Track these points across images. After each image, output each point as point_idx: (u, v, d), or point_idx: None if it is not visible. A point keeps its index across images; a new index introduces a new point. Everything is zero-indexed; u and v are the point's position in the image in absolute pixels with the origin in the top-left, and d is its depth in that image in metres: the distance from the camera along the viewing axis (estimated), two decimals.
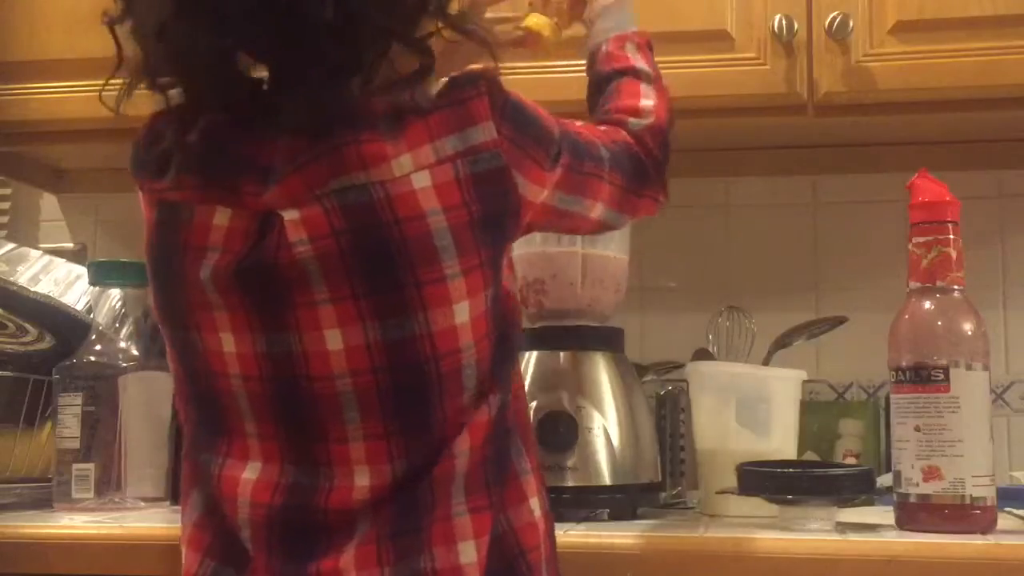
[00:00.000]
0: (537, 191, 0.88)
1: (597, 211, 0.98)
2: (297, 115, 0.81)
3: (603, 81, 1.10)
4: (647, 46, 1.13)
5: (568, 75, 1.27)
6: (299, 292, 0.81)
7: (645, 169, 1.02)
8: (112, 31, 0.85)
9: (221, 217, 0.83)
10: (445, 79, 0.86)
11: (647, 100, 1.06)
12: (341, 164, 0.80)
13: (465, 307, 0.82)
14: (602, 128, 1.01)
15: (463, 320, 0.82)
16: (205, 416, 0.88)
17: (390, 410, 0.82)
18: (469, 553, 0.81)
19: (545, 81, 1.31)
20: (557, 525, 1.11)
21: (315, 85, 0.81)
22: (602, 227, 1.03)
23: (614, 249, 1.32)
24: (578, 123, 0.98)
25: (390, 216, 0.80)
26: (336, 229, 0.80)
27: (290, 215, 0.80)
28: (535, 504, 0.87)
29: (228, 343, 0.83)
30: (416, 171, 0.80)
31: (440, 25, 0.87)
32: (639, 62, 1.10)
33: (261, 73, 0.85)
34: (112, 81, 0.87)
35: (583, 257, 1.28)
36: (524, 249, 1.33)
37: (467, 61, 1.01)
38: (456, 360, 0.82)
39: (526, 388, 1.23)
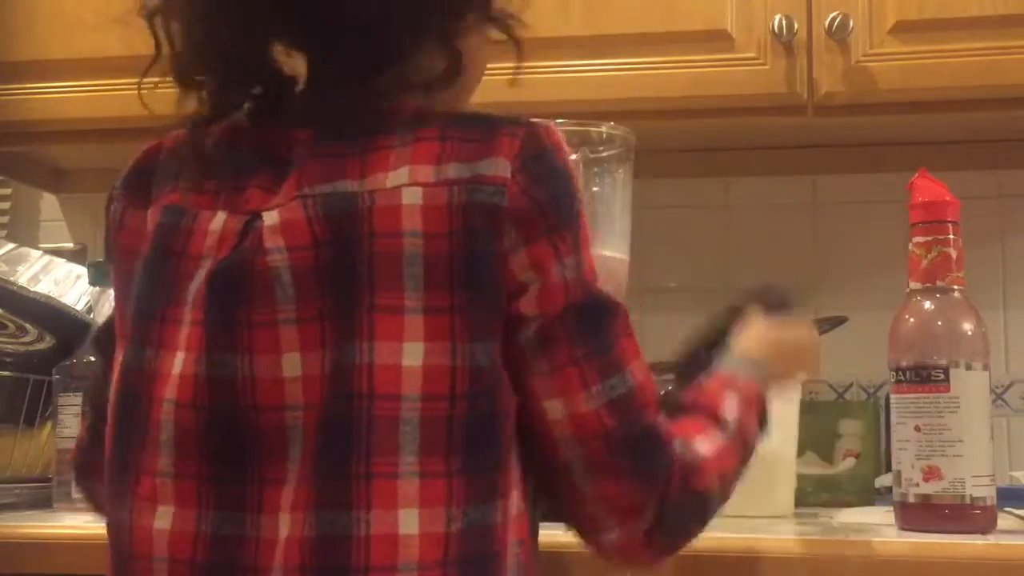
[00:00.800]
0: (525, 266, 0.73)
1: (550, 408, 0.75)
2: (323, 111, 0.77)
3: (678, 401, 0.89)
4: (755, 405, 0.90)
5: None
6: (262, 307, 0.72)
7: (650, 475, 0.77)
8: (151, 24, 0.80)
9: (217, 222, 0.76)
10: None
11: (702, 447, 0.82)
12: (340, 168, 0.74)
13: (419, 350, 0.70)
14: (649, 390, 0.79)
15: (412, 364, 0.70)
16: (123, 444, 0.77)
17: (311, 454, 0.71)
18: None
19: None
20: (557, 525, 1.11)
21: (346, 81, 0.77)
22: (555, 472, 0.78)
23: (614, 249, 1.32)
24: (635, 364, 0.78)
25: (366, 228, 0.71)
26: (317, 239, 0.72)
27: (269, 217, 0.74)
28: None
29: (178, 364, 0.74)
30: (409, 185, 0.72)
31: (479, 22, 0.81)
32: (731, 408, 0.87)
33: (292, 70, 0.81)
34: (141, 80, 0.81)
35: None
36: None
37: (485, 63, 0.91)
38: (393, 408, 0.70)
39: None
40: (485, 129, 0.75)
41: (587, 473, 0.76)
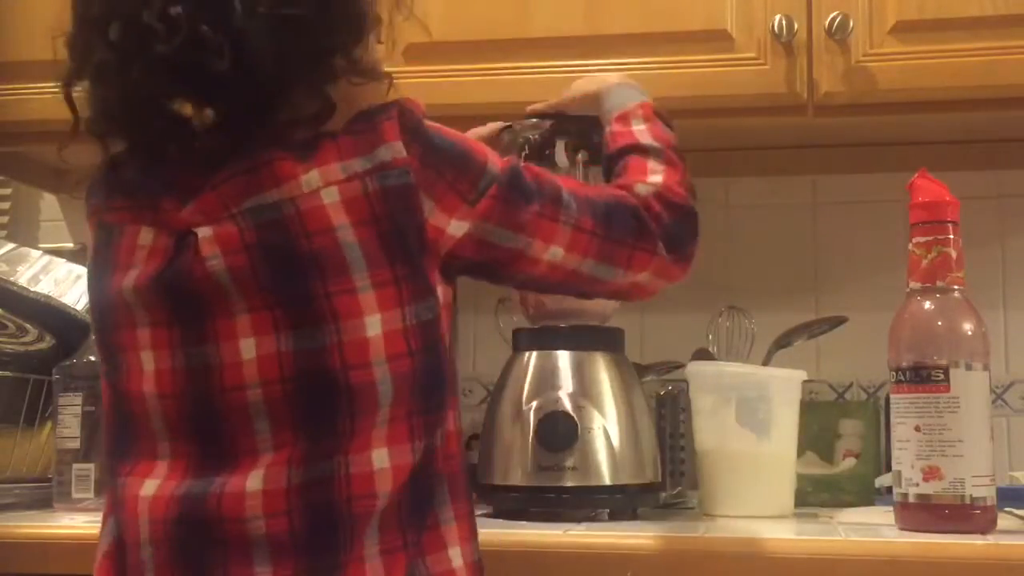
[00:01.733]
0: (446, 219, 0.87)
1: (554, 255, 0.93)
2: (218, 142, 0.86)
3: (612, 162, 1.09)
4: (654, 115, 1.11)
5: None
6: (218, 303, 0.84)
7: (643, 224, 0.98)
8: (67, 93, 0.91)
9: (145, 237, 0.87)
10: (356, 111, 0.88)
11: (655, 176, 1.03)
12: (255, 183, 0.83)
13: (377, 320, 0.83)
14: (596, 190, 0.99)
15: (375, 333, 0.83)
16: (119, 439, 0.89)
17: (299, 420, 0.82)
18: None
19: None
20: (557, 525, 1.11)
21: (231, 122, 0.86)
22: (584, 281, 0.97)
23: None
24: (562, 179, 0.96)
25: (300, 230, 0.82)
26: (247, 243, 0.83)
27: (204, 232, 0.84)
28: (456, 553, 0.87)
29: (148, 361, 0.86)
30: (325, 187, 0.83)
31: (346, 70, 0.88)
32: (645, 137, 1.08)
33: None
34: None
35: None
36: None
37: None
38: (368, 374, 0.83)
39: (526, 387, 1.24)
40: (366, 122, 0.86)
41: (605, 266, 0.96)
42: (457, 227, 0.87)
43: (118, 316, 0.88)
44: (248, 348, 0.83)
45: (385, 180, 0.84)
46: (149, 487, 0.85)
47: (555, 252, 0.93)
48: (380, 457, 0.83)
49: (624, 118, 1.11)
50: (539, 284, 0.98)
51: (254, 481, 0.81)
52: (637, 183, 1.01)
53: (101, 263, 0.90)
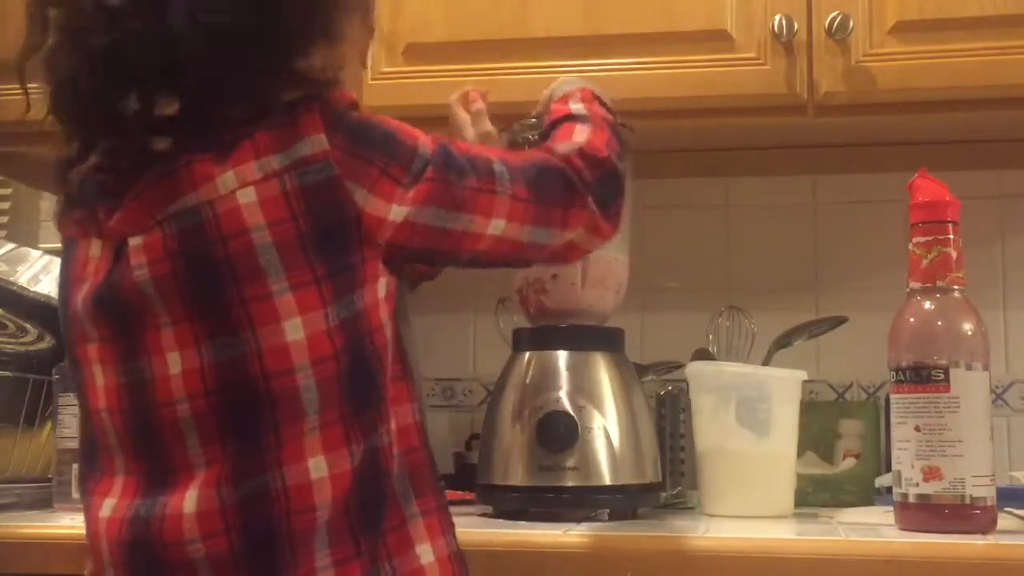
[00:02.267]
0: (384, 206, 0.84)
1: (496, 228, 0.91)
2: (147, 144, 0.84)
3: (544, 136, 1.07)
4: (592, 97, 1.10)
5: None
6: (147, 316, 0.83)
7: (570, 182, 0.96)
8: (20, 75, 0.91)
9: (95, 249, 0.86)
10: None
11: (579, 136, 1.02)
12: (175, 188, 0.82)
13: (298, 324, 0.80)
14: (524, 156, 0.98)
15: (296, 338, 0.80)
16: (87, 454, 0.90)
17: (226, 435, 0.81)
18: None
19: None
20: (557, 525, 1.11)
21: (163, 122, 0.84)
22: (525, 248, 0.95)
23: (615, 249, 1.32)
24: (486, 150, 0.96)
25: (216, 234, 0.80)
26: (169, 251, 0.81)
27: (134, 241, 0.83)
28: (426, 550, 0.85)
29: (99, 376, 0.86)
30: (241, 187, 0.80)
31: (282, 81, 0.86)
32: (577, 108, 1.08)
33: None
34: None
35: (584, 257, 1.28)
36: None
37: None
38: (290, 381, 0.80)
39: (526, 387, 1.24)
40: (286, 116, 0.82)
41: (543, 229, 0.94)
42: (397, 212, 0.84)
43: (75, 331, 0.88)
44: (174, 362, 0.82)
45: (304, 176, 0.81)
46: (107, 507, 0.84)
47: (496, 224, 0.91)
48: (317, 466, 0.80)
49: (563, 99, 1.11)
50: (484, 260, 0.95)
51: (190, 502, 0.80)
52: (560, 143, 1.01)
53: (63, 278, 0.91)
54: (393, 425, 0.85)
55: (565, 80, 1.16)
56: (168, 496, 0.81)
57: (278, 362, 0.80)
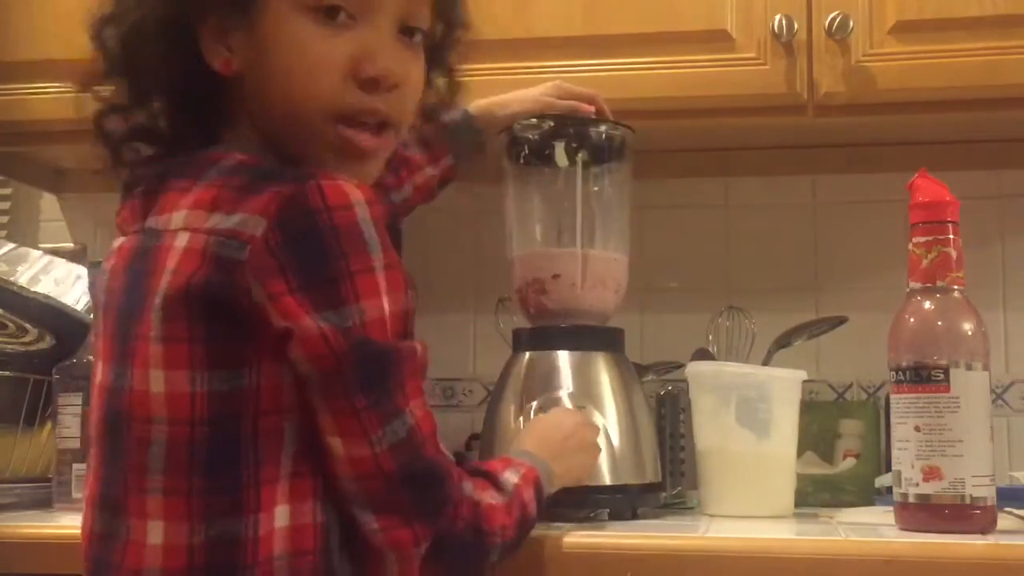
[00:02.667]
0: (277, 318, 0.76)
1: (337, 447, 0.79)
2: (163, 152, 0.89)
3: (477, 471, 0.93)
4: (533, 483, 0.97)
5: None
6: (102, 322, 0.86)
7: (437, 512, 0.83)
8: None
9: (115, 239, 0.89)
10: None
11: (489, 498, 0.89)
12: (152, 204, 0.83)
13: (160, 377, 0.78)
14: (426, 426, 0.83)
15: (157, 390, 0.78)
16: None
17: (102, 460, 0.84)
18: None
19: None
20: (557, 525, 1.11)
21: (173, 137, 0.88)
22: (348, 497, 0.81)
23: (614, 250, 1.33)
24: (414, 404, 0.81)
25: (149, 266, 0.80)
26: (124, 267, 0.83)
27: (116, 243, 0.86)
28: None
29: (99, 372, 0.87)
30: (182, 229, 0.80)
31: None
32: (508, 482, 0.94)
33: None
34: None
35: (584, 257, 1.28)
36: (525, 249, 1.33)
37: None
38: (145, 431, 0.79)
39: (526, 387, 1.24)
40: (260, 183, 0.79)
41: (367, 507, 0.81)
42: (283, 321, 0.77)
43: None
44: (102, 375, 0.84)
45: (222, 247, 0.77)
46: (83, 517, 0.86)
47: (339, 449, 0.80)
48: (155, 530, 0.78)
49: (509, 462, 0.98)
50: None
51: (154, 535, 0.79)
52: (470, 484, 0.88)
53: None
54: (280, 522, 0.78)
55: (534, 455, 1.02)
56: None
57: (139, 407, 0.79)
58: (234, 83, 0.87)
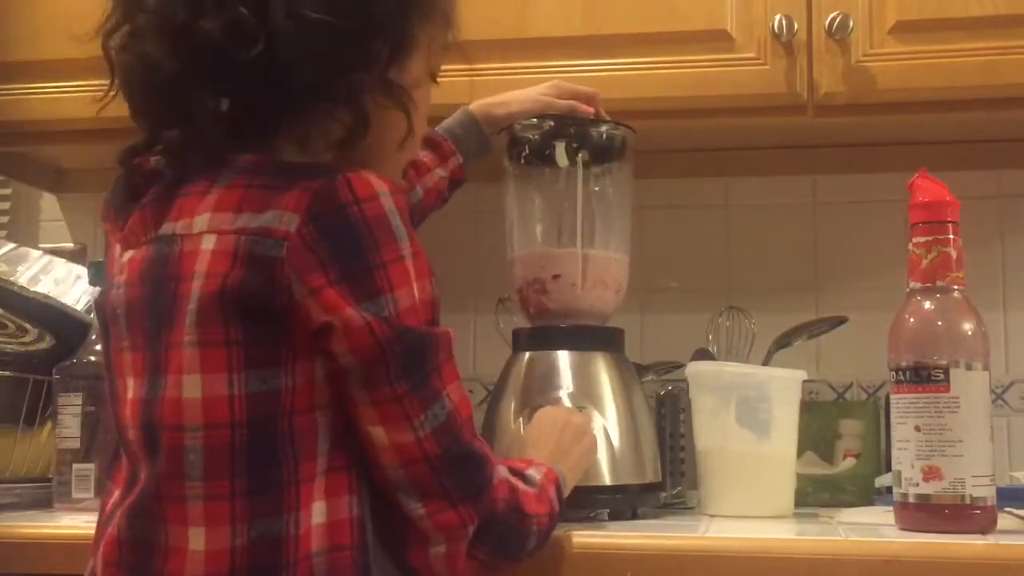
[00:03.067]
0: (319, 311, 0.77)
1: (379, 436, 0.81)
2: (172, 159, 0.86)
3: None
4: (554, 482, 0.98)
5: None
6: (116, 336, 0.84)
7: (482, 489, 0.84)
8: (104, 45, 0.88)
9: (117, 251, 0.87)
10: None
11: (529, 487, 0.92)
12: (167, 212, 0.82)
13: (197, 382, 0.78)
14: (464, 410, 0.85)
15: (192, 396, 0.78)
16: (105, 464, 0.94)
17: (136, 469, 0.83)
18: None
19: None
20: (557, 525, 1.11)
21: (240, 121, 0.84)
22: (394, 486, 0.82)
23: (614, 250, 1.33)
24: (451, 388, 0.83)
25: (173, 272, 0.80)
26: (143, 277, 0.82)
27: (127, 255, 0.85)
28: None
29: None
30: (208, 232, 0.79)
31: (374, 87, 0.86)
32: (534, 476, 0.95)
33: None
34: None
35: (584, 257, 1.28)
36: (525, 249, 1.34)
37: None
38: (177, 438, 0.78)
39: (526, 387, 1.24)
40: (287, 180, 0.79)
41: (413, 493, 0.82)
42: (323, 316, 0.78)
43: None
44: (131, 388, 0.82)
45: (256, 245, 0.77)
46: (109, 523, 0.84)
47: (380, 436, 0.81)
48: (196, 537, 0.77)
49: (530, 462, 0.99)
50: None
51: (196, 541, 0.79)
52: (505, 468, 0.90)
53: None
54: (317, 519, 0.79)
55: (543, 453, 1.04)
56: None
57: (170, 415, 0.78)
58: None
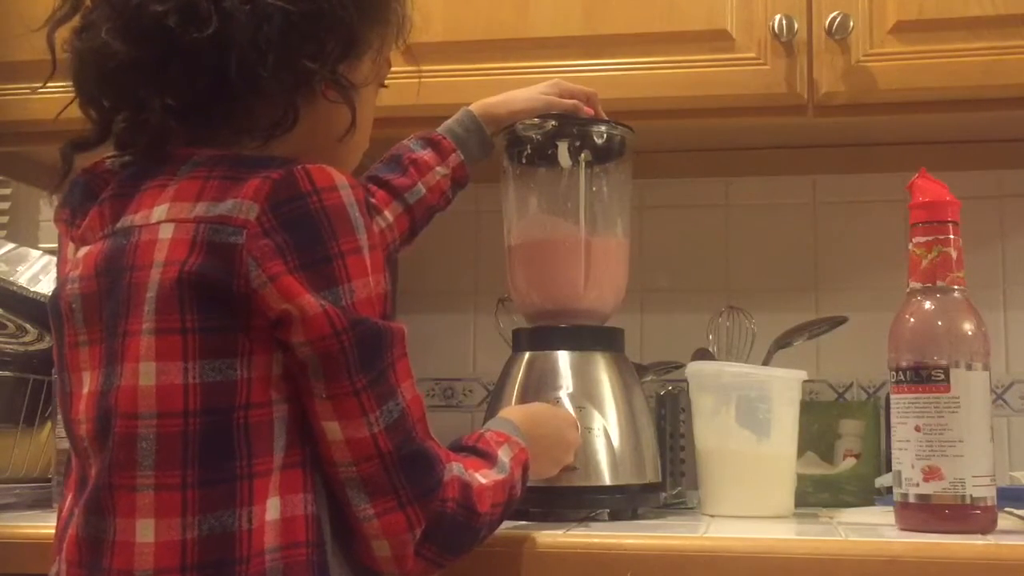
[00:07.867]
0: (278, 299, 0.77)
1: (333, 432, 0.81)
2: (129, 151, 0.87)
3: (459, 443, 0.96)
4: (522, 464, 0.98)
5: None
6: (69, 330, 0.84)
7: (431, 490, 0.83)
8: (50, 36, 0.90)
9: (71, 250, 0.88)
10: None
11: (483, 478, 0.91)
12: (126, 206, 0.82)
13: (152, 370, 0.77)
14: (417, 408, 0.85)
15: (147, 383, 0.77)
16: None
17: (91, 460, 0.81)
18: None
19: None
20: (557, 525, 1.11)
21: (153, 124, 0.84)
22: (342, 485, 0.82)
23: (614, 249, 1.32)
24: (404, 385, 0.83)
25: (130, 262, 0.80)
26: (97, 270, 0.82)
27: (81, 251, 0.84)
28: None
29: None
30: (166, 221, 0.79)
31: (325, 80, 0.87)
32: (504, 458, 0.96)
33: None
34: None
35: (584, 257, 1.28)
36: (524, 249, 1.33)
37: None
38: (131, 426, 0.77)
39: (526, 387, 1.24)
40: (246, 170, 0.80)
41: (363, 492, 0.82)
42: (280, 303, 0.78)
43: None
44: (85, 382, 0.82)
45: (215, 233, 0.78)
46: (67, 522, 0.84)
47: (335, 431, 0.81)
48: (144, 529, 0.76)
49: (505, 438, 0.99)
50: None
51: (71, 528, 0.81)
52: (459, 465, 0.88)
53: (58, 275, 0.97)
54: (272, 514, 0.78)
55: (522, 431, 1.03)
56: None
57: (125, 403, 0.78)
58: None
